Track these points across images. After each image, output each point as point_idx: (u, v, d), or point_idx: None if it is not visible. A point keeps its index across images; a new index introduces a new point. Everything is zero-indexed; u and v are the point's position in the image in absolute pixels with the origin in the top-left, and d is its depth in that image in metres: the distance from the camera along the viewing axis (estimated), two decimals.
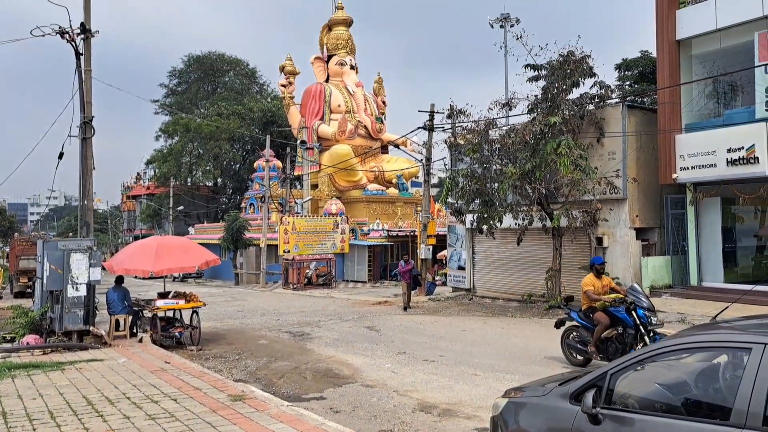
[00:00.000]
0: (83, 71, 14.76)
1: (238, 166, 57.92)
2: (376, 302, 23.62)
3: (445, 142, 21.26)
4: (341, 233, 35.79)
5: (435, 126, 24.04)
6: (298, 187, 44.42)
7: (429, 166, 24.93)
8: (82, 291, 13.42)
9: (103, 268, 15.44)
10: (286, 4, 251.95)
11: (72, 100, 14.65)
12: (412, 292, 22.65)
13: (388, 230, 36.70)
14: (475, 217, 19.48)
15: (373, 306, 22.46)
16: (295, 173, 41.54)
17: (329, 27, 45.89)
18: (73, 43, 14.46)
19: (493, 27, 42.23)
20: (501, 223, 18.96)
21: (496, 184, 18.46)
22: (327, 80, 45.23)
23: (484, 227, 19.16)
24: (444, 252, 28.15)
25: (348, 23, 45.97)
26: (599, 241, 19.12)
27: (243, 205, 44.86)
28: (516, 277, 21.77)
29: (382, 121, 45.69)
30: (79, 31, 14.62)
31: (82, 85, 14.69)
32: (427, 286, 24.39)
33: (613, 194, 18.24)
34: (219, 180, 59.08)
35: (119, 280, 14.82)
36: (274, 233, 35.53)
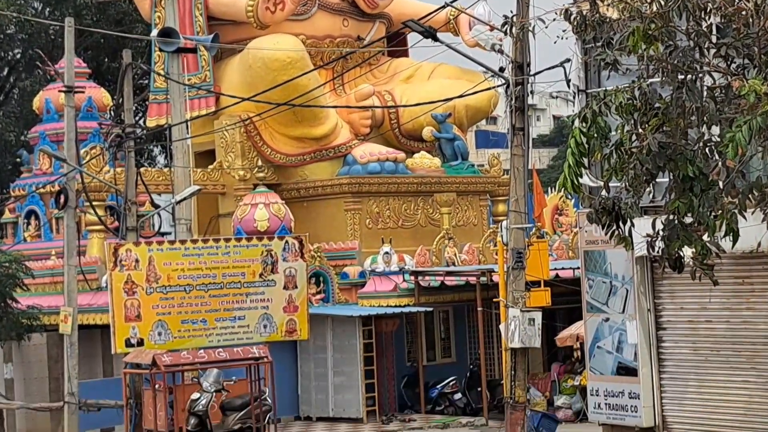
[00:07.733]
0: None
1: None
2: None
3: (565, 14, 12.08)
4: (288, 285, 19.69)
5: None
6: (161, 162, 30.42)
7: (524, 84, 15.65)
8: None
9: None
10: None
11: None
12: None
13: (417, 271, 20.66)
14: (660, 229, 11.24)
15: None
16: (151, 122, 25.26)
17: None
18: None
19: None
20: (735, 242, 10.49)
21: (716, 128, 10.72)
22: None
23: (688, 254, 11.61)
24: (577, 326, 18.33)
25: None
26: None
27: (5, 218, 26.84)
28: None
29: None
30: None
31: None
32: (534, 423, 17.26)
33: None
34: None
35: None
36: (101, 291, 20.58)
